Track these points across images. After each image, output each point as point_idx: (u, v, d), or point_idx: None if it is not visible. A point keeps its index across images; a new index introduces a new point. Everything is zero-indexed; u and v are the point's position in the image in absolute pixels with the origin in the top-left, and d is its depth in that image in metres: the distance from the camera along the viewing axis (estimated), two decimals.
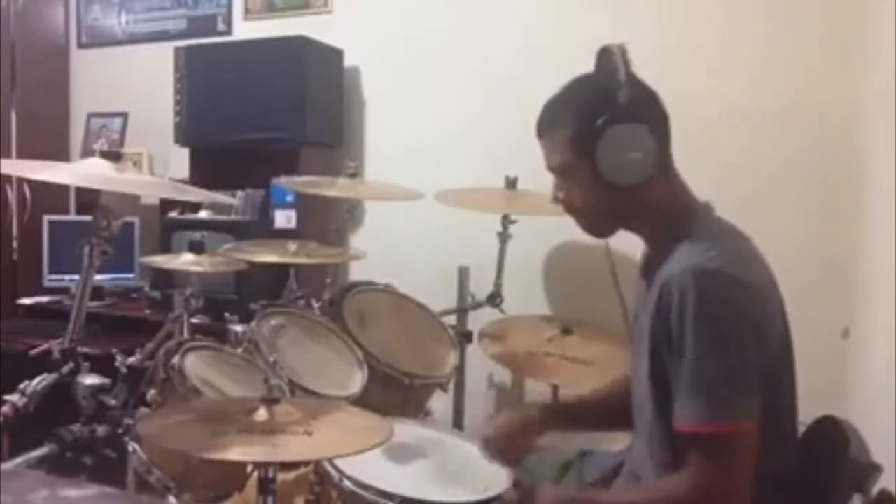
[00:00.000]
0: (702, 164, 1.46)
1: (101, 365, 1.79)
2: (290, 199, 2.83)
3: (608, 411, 1.55)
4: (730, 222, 1.35)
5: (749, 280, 1.21)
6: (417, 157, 2.91)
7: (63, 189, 3.47)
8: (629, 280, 1.51)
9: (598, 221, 1.39)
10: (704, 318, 1.16)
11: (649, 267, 1.34)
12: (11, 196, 3.42)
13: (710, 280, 1.18)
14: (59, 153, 3.58)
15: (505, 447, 1.54)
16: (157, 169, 3.39)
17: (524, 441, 1.56)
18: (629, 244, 1.46)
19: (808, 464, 1.28)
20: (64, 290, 3.20)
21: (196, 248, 2.24)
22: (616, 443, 1.56)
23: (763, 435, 1.19)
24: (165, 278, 2.86)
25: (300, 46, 2.85)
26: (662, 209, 1.33)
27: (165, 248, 2.84)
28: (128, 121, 3.49)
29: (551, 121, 1.37)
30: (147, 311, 3.05)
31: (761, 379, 1.20)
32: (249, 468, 1.48)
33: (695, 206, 1.35)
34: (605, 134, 1.27)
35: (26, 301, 3.29)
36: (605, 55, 1.36)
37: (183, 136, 3.04)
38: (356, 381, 1.98)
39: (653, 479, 1.32)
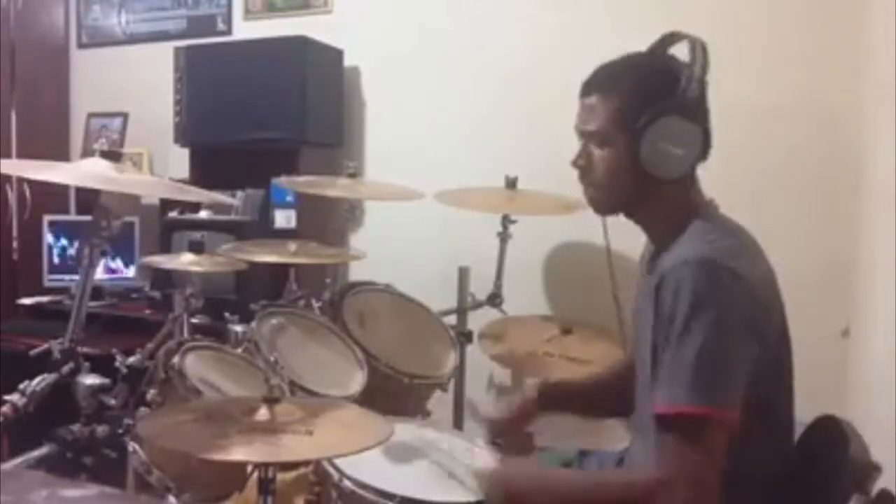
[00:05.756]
0: None
1: (101, 365, 1.78)
2: (290, 199, 2.84)
3: (607, 395, 1.56)
4: (733, 220, 1.35)
5: (748, 274, 1.20)
6: (417, 157, 2.91)
7: (63, 189, 3.47)
8: (628, 280, 1.51)
9: (610, 198, 1.35)
10: (698, 306, 1.16)
11: (652, 259, 1.34)
12: (11, 196, 3.42)
13: (708, 269, 1.18)
14: (59, 153, 3.58)
15: (508, 430, 1.56)
16: (157, 169, 3.39)
17: (525, 422, 1.58)
18: (629, 244, 1.46)
19: (807, 464, 1.28)
20: (64, 290, 3.21)
21: (196, 248, 2.23)
22: (616, 443, 1.56)
23: (759, 432, 1.19)
24: (165, 278, 2.85)
25: (300, 46, 2.85)
26: (674, 205, 1.32)
27: (165, 248, 2.84)
28: (128, 121, 3.50)
29: (606, 83, 1.31)
30: (147, 311, 3.06)
31: (756, 374, 1.19)
32: (249, 468, 1.48)
33: (701, 202, 1.35)
34: (660, 120, 1.25)
35: (26, 301, 3.29)
36: (672, 40, 1.35)
37: (183, 136, 3.04)
38: (356, 381, 1.98)
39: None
